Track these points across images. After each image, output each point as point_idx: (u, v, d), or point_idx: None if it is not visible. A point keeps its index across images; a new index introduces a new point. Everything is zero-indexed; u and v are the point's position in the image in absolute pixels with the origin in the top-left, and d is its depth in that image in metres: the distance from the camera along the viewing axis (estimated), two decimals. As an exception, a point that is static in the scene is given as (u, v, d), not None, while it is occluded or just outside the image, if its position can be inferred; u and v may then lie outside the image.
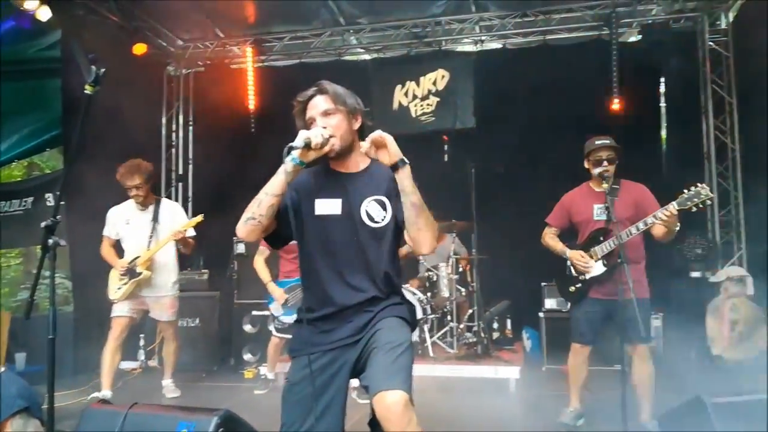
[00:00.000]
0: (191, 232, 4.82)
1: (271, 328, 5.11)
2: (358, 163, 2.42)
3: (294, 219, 2.27)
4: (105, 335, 4.67)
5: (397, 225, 2.35)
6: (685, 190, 3.38)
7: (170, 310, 4.95)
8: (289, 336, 5.07)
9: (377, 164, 2.38)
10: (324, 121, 2.31)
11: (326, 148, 2.25)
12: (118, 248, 4.89)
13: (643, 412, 3.68)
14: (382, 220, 2.34)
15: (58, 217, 2.34)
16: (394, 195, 2.33)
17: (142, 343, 6.38)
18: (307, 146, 2.19)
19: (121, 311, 4.72)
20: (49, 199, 6.34)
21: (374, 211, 2.35)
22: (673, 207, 3.39)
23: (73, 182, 4.67)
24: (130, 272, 4.70)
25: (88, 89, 2.36)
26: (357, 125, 2.41)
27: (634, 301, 3.09)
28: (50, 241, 2.31)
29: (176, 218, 4.92)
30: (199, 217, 4.83)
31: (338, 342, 2.31)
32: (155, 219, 4.82)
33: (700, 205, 3.35)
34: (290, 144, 2.17)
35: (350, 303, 2.31)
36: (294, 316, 4.87)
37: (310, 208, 2.35)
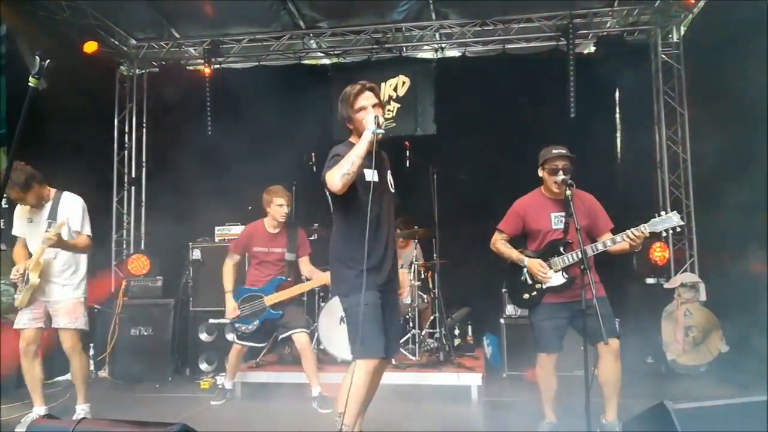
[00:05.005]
0: (70, 232, 4.29)
1: (230, 336, 4.96)
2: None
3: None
4: (56, 342, 4.41)
5: None
6: (657, 215, 3.47)
7: (69, 316, 4.30)
8: (252, 344, 4.96)
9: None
10: (375, 111, 3.13)
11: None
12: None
13: (609, 412, 3.70)
14: (394, 188, 3.30)
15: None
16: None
17: (92, 353, 6.11)
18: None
19: (22, 322, 4.24)
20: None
21: (391, 180, 3.30)
22: (645, 229, 3.48)
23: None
24: (26, 278, 4.19)
25: (32, 82, 2.23)
26: None
27: (602, 299, 3.12)
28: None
29: (75, 215, 4.36)
30: (58, 228, 4.12)
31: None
32: (52, 216, 4.29)
33: (670, 231, 3.45)
34: (377, 120, 2.99)
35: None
36: (251, 326, 4.79)
37: (362, 174, 3.05)
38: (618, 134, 7.34)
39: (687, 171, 6.77)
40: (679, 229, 3.51)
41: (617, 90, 7.24)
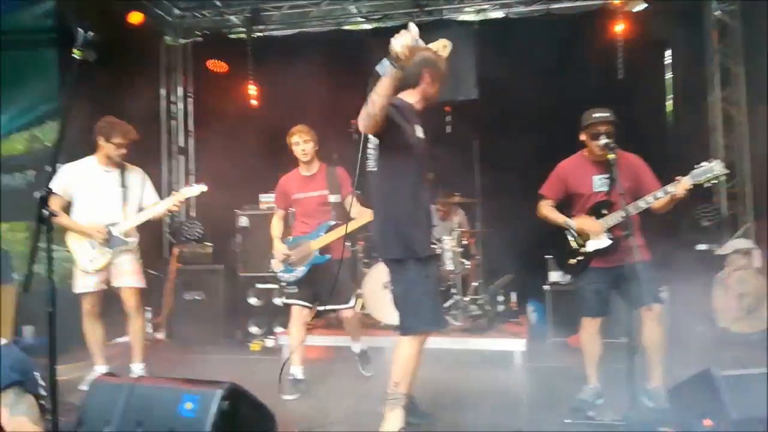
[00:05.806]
0: (141, 202, 4.58)
1: (279, 301, 4.68)
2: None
3: (400, 134, 2.95)
4: (114, 305, 4.59)
5: None
6: (697, 165, 3.31)
7: (137, 275, 4.49)
8: (301, 303, 4.39)
9: None
10: None
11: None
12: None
13: (654, 377, 3.65)
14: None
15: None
16: None
17: (149, 316, 6.37)
18: (396, 57, 2.67)
19: (90, 286, 4.36)
20: (50, 171, 6.25)
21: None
22: (687, 182, 3.32)
23: (72, 154, 4.56)
24: (115, 240, 4.34)
25: (76, 54, 2.31)
26: None
27: (643, 264, 3.09)
28: (44, 212, 2.29)
29: (146, 186, 4.62)
30: (203, 187, 4.53)
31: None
32: (124, 185, 4.45)
33: (714, 181, 3.29)
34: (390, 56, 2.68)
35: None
36: (296, 273, 4.42)
37: (412, 129, 3.04)
38: (669, 96, 7.06)
39: (742, 134, 6.50)
40: (724, 178, 3.34)
41: (669, 49, 6.94)
